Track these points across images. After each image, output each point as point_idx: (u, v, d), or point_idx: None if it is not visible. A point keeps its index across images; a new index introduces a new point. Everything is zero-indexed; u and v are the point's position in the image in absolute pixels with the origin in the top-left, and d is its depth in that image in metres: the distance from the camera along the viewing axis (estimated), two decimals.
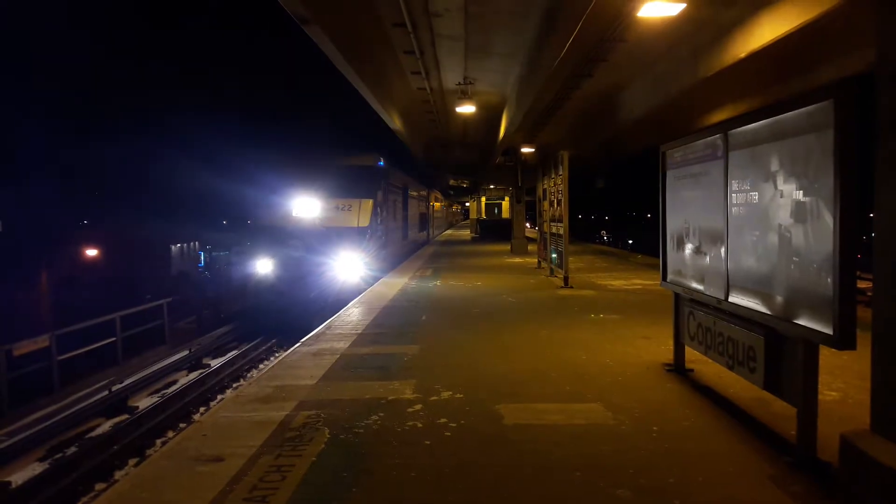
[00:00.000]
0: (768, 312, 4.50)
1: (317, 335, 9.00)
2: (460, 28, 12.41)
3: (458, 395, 5.89)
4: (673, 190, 6.52)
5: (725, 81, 13.37)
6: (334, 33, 10.77)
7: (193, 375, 13.57)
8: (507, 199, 41.18)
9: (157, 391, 12.84)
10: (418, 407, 5.56)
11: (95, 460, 8.79)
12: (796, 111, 4.11)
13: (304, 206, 17.69)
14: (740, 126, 4.92)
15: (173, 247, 39.96)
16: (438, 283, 15.44)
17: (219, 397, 12.12)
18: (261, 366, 14.19)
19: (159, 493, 3.97)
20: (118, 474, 8.60)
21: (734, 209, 5.05)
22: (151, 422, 10.42)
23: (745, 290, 4.88)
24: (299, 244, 17.10)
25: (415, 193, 30.44)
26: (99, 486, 8.30)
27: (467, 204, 71.74)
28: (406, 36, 12.47)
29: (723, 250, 5.26)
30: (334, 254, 16.98)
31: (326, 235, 17.19)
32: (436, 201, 46.96)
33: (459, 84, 16.36)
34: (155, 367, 14.10)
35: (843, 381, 6.11)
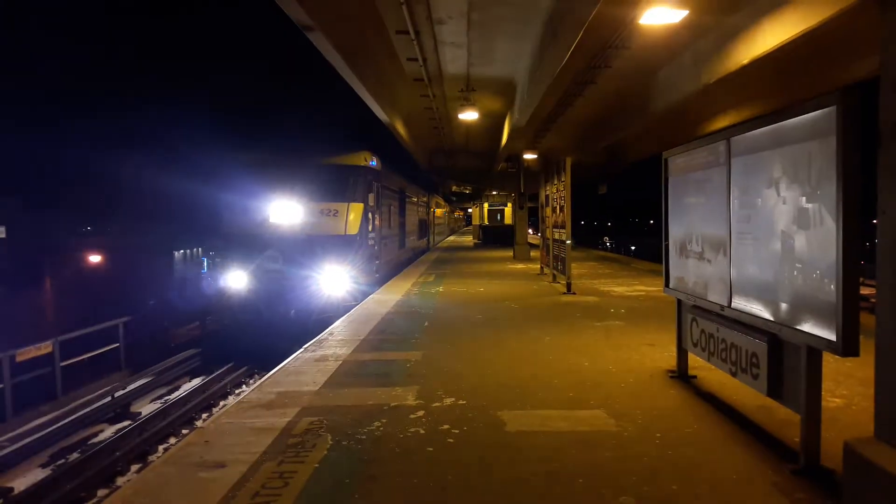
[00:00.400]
0: (771, 319, 4.49)
1: (319, 341, 9.00)
2: (463, 35, 12.45)
3: (460, 402, 5.88)
4: (675, 196, 6.52)
5: (728, 88, 13.38)
6: (337, 40, 10.79)
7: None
8: (509, 205, 41.11)
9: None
10: (421, 413, 5.56)
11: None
12: (799, 118, 4.11)
13: (282, 210, 14.82)
14: (743, 133, 4.93)
15: (176, 252, 39.26)
16: (441, 289, 15.44)
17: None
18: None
19: (162, 500, 3.97)
20: (121, 480, 8.60)
21: (737, 216, 5.05)
22: None
23: (749, 296, 4.88)
24: (276, 255, 14.51)
25: (413, 197, 28.21)
26: (101, 492, 8.29)
27: (470, 210, 71.75)
28: (409, 43, 12.50)
29: (726, 257, 5.25)
30: (318, 266, 14.43)
31: (308, 245, 14.51)
32: (437, 207, 46.06)
33: (462, 91, 16.38)
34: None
35: (847, 388, 6.09)
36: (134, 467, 9.05)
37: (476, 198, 51.80)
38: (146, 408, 11.90)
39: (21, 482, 8.50)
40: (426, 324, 10.39)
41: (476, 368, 7.27)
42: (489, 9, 11.02)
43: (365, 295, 14.30)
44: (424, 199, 34.17)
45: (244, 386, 12.88)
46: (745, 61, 10.85)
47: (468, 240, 51.04)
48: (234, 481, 4.15)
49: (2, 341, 11.81)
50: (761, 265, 4.65)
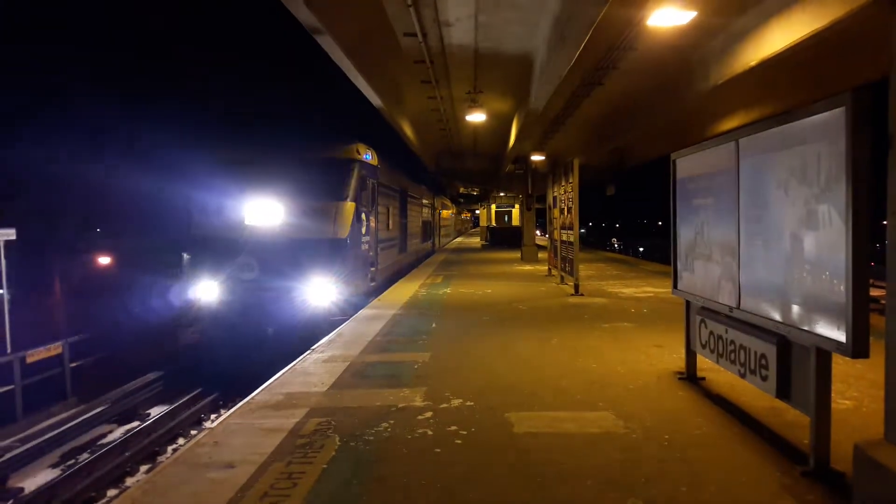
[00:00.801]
0: (780, 320, 4.48)
1: (328, 342, 9.02)
2: (470, 37, 12.47)
3: (468, 403, 5.88)
4: (684, 198, 6.51)
5: (736, 89, 13.34)
6: (345, 43, 10.84)
7: None
8: (517, 206, 41.09)
9: None
10: (428, 415, 5.56)
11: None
12: (808, 118, 4.10)
13: (259, 211, 12.69)
14: (752, 134, 4.91)
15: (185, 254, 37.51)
16: (448, 290, 15.44)
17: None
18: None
19: (170, 500, 3.99)
20: (130, 481, 8.64)
21: (746, 217, 5.03)
22: None
23: (758, 297, 4.86)
24: (252, 263, 12.37)
25: (416, 197, 26.07)
26: (111, 493, 8.34)
27: (477, 211, 71.79)
28: (417, 45, 12.53)
29: (734, 258, 5.24)
30: (301, 275, 12.30)
31: (290, 251, 12.41)
32: (443, 208, 44.86)
33: (469, 93, 16.39)
34: None
35: (857, 389, 6.06)
36: (143, 468, 9.10)
37: (483, 199, 51.88)
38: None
39: None
40: (434, 325, 10.39)
41: (484, 370, 7.27)
42: (497, 11, 11.04)
43: (356, 308, 12.45)
44: (429, 199, 32.42)
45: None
46: (754, 62, 10.82)
47: (475, 241, 51.04)
48: (243, 482, 4.17)
49: None
50: (770, 266, 4.64)
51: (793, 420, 4.99)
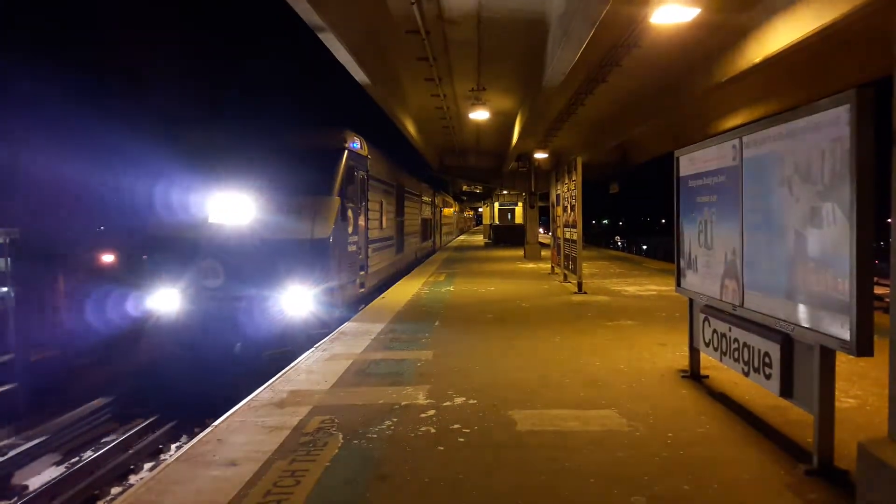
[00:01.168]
0: (784, 318, 4.47)
1: (330, 339, 9.03)
2: (473, 34, 12.44)
3: (471, 401, 5.89)
4: (687, 195, 6.49)
5: (740, 86, 13.31)
6: (348, 40, 10.82)
7: None
8: (520, 204, 41.06)
9: None
10: (431, 413, 5.57)
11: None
12: (812, 116, 4.09)
13: (226, 207, 10.93)
14: (756, 131, 4.90)
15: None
16: (451, 288, 15.44)
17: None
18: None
19: (174, 498, 4.00)
20: (133, 478, 8.66)
21: (749, 214, 5.02)
22: None
23: (761, 295, 4.85)
24: (216, 267, 10.64)
25: (415, 193, 24.16)
26: (115, 490, 8.35)
27: (480, 209, 71.79)
28: (420, 42, 12.51)
29: (738, 255, 5.23)
30: (275, 282, 10.52)
31: (263, 253, 10.62)
32: (445, 206, 44.07)
33: (473, 90, 16.37)
34: None
35: (861, 388, 6.05)
36: (147, 465, 9.12)
37: (487, 197, 51.84)
38: None
39: None
40: (437, 323, 10.40)
41: (487, 368, 7.27)
42: (500, 8, 11.02)
43: (340, 320, 10.86)
44: (429, 195, 30.66)
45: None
46: (758, 59, 10.80)
47: (478, 239, 51.07)
48: (247, 479, 4.18)
49: None
50: (774, 264, 4.63)
51: (796, 418, 4.98)
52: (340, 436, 4.99)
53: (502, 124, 21.83)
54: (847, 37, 10.13)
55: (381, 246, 16.15)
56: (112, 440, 9.37)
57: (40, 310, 16.52)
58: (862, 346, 3.66)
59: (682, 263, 6.68)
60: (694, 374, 6.57)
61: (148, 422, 9.94)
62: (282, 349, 9.84)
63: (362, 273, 13.39)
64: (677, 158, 6.70)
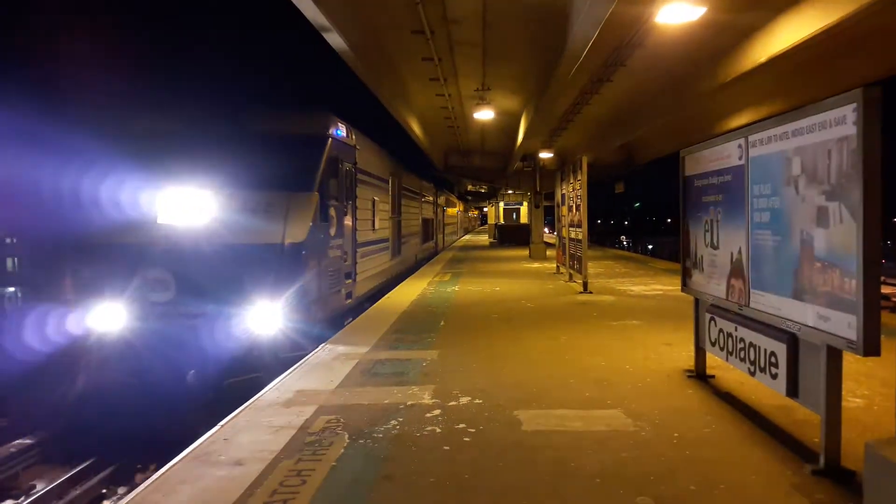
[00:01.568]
0: (790, 318, 4.46)
1: (335, 339, 9.04)
2: (478, 35, 12.45)
3: (476, 401, 5.89)
4: (693, 195, 6.48)
5: (746, 86, 13.28)
6: (354, 41, 10.84)
7: None
8: (525, 204, 41.06)
9: None
10: (437, 412, 5.57)
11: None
12: (819, 115, 4.07)
13: (180, 204, 9.08)
14: (762, 131, 4.89)
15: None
16: (457, 288, 15.44)
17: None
18: None
19: (180, 497, 4.01)
20: (140, 477, 8.68)
21: (755, 214, 5.01)
22: None
23: (767, 295, 4.84)
24: (166, 279, 8.76)
25: (414, 190, 22.10)
26: (121, 490, 8.38)
27: (485, 209, 71.78)
28: (425, 43, 12.53)
29: (744, 255, 5.22)
30: (238, 294, 8.60)
31: (222, 261, 8.74)
32: (448, 205, 43.02)
33: (477, 90, 16.38)
34: None
35: (868, 388, 6.02)
36: (153, 465, 9.14)
37: (491, 196, 51.84)
38: None
39: None
40: (442, 323, 10.40)
41: (492, 367, 7.27)
42: (504, 9, 11.02)
43: (318, 340, 9.00)
44: (431, 193, 28.73)
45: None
46: (763, 59, 10.78)
47: (483, 239, 51.07)
48: (253, 479, 4.19)
49: None
50: (780, 264, 4.62)
51: (803, 418, 4.97)
52: (346, 435, 5.00)
53: (507, 124, 21.84)
54: (853, 36, 10.09)
55: (374, 250, 14.33)
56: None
57: None
58: (869, 345, 3.65)
59: (688, 263, 6.67)
60: (700, 374, 6.56)
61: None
62: (246, 376, 8.20)
63: (349, 282, 11.61)
64: (683, 158, 6.69)
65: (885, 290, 4.46)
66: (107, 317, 8.79)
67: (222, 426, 5.32)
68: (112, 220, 9.07)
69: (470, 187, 50.77)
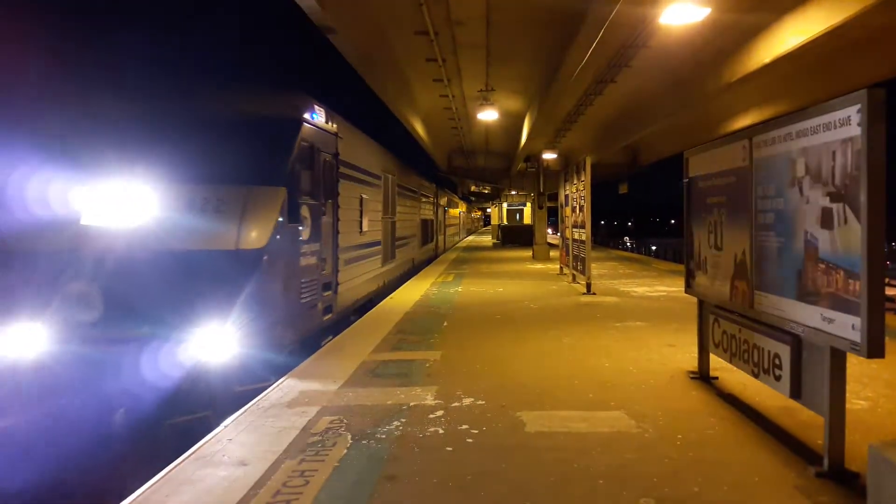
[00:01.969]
0: (794, 320, 4.45)
1: (338, 339, 9.05)
2: (482, 36, 12.46)
3: (479, 402, 5.89)
4: (697, 196, 6.47)
5: (750, 87, 13.25)
6: (359, 42, 10.86)
7: None
8: (528, 205, 41.04)
9: None
10: (440, 413, 5.57)
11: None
12: (824, 116, 4.07)
13: (110, 201, 7.38)
14: (766, 132, 4.88)
15: None
16: (460, 289, 15.44)
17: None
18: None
19: (184, 497, 4.02)
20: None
21: (759, 215, 5.00)
22: None
23: (771, 296, 4.83)
24: (95, 293, 6.92)
25: (411, 189, 20.33)
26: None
27: (489, 210, 71.76)
28: (429, 44, 12.54)
29: (748, 256, 5.21)
30: (183, 315, 6.76)
31: (163, 272, 7.03)
32: (450, 206, 41.83)
33: (481, 91, 16.39)
34: None
35: (872, 389, 6.01)
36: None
37: (495, 197, 51.83)
38: None
39: None
40: (445, 324, 10.40)
41: (495, 369, 7.27)
42: (508, 10, 11.03)
43: (282, 371, 7.28)
44: (431, 192, 26.72)
45: None
46: (768, 60, 10.75)
47: (487, 240, 51.07)
48: (256, 479, 4.19)
49: None
50: (784, 265, 4.61)
51: (807, 420, 4.95)
52: (349, 436, 5.00)
53: (511, 125, 21.84)
54: (858, 37, 10.07)
55: (361, 255, 12.49)
56: None
57: None
58: (873, 347, 3.64)
59: (692, 264, 6.66)
60: (703, 376, 6.55)
61: None
62: (191, 416, 6.62)
63: (328, 294, 9.71)
64: (687, 159, 6.68)
65: (889, 291, 4.46)
66: (16, 341, 6.82)
67: (225, 427, 5.32)
68: (23, 222, 7.27)
69: (473, 188, 50.80)
